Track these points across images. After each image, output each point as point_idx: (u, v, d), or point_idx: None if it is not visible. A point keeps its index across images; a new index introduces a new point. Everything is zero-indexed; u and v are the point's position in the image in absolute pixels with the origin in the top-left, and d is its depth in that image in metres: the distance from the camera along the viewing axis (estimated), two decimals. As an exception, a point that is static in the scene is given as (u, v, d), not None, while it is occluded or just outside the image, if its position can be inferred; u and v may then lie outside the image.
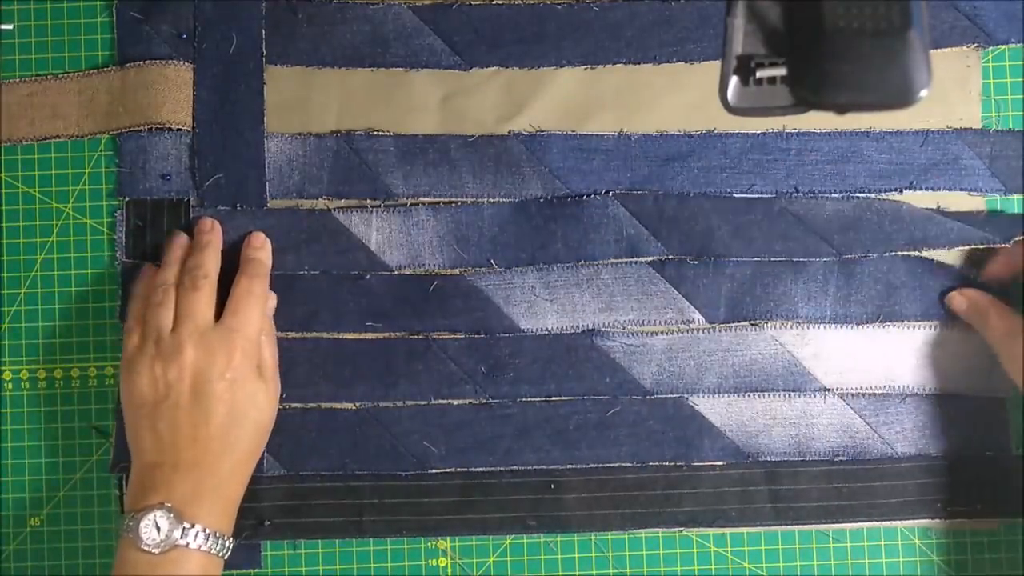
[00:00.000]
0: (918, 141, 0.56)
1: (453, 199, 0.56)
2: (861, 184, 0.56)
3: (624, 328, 0.56)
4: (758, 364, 0.56)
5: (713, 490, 0.55)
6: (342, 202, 0.56)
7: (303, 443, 0.55)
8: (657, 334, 0.56)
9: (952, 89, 0.56)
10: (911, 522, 0.55)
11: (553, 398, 0.56)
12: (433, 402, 0.55)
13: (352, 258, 0.56)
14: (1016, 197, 0.56)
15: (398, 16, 0.56)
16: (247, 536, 0.55)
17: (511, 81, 0.56)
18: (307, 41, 0.56)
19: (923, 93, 0.38)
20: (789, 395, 0.56)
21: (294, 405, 0.55)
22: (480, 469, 0.55)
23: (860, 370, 0.56)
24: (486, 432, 0.55)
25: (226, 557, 0.49)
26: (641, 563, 0.56)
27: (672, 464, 0.55)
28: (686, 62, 0.56)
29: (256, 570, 0.55)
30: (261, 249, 0.55)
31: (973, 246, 0.55)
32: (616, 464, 0.55)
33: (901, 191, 0.56)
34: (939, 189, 0.56)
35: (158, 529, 0.47)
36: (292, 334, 0.55)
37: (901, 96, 0.38)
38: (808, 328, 0.56)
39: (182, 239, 0.55)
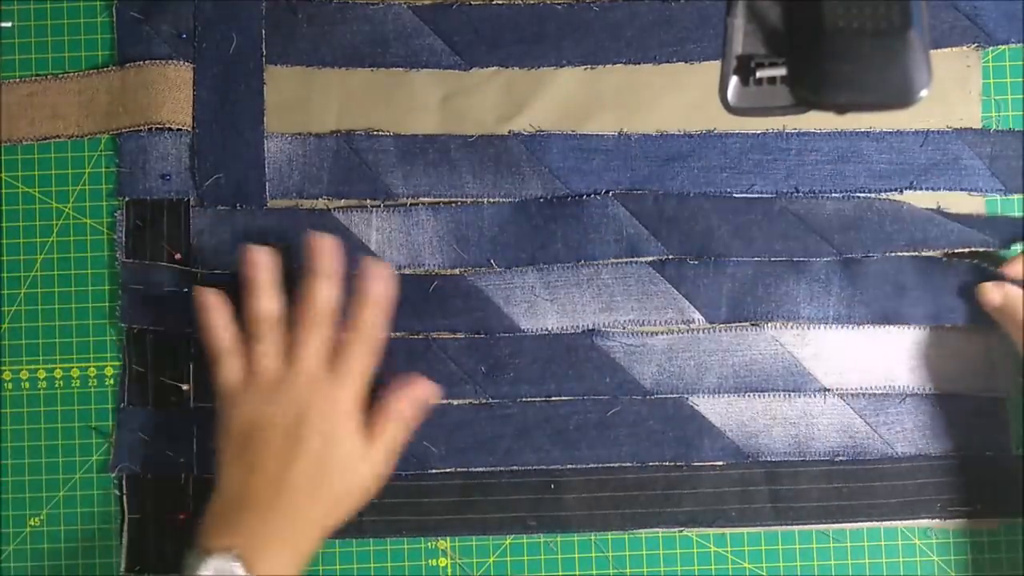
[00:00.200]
0: (918, 141, 0.56)
1: (453, 199, 0.56)
2: (861, 184, 0.56)
3: (624, 328, 0.56)
4: (758, 364, 0.55)
5: (713, 490, 0.55)
6: (342, 202, 0.56)
7: (303, 443, 0.55)
8: (657, 334, 0.56)
9: (952, 89, 0.56)
10: (911, 522, 0.55)
11: (553, 398, 0.56)
12: (432, 402, 0.55)
13: (352, 258, 0.56)
14: (1016, 197, 0.56)
15: (398, 16, 0.56)
16: (247, 536, 0.55)
17: (511, 81, 0.56)
18: (307, 41, 0.56)
19: (923, 93, 0.38)
20: (789, 395, 0.56)
21: (294, 405, 0.55)
22: (480, 469, 0.55)
23: (860, 370, 0.56)
24: (486, 432, 0.55)
25: None
26: (641, 563, 0.56)
27: (672, 464, 0.55)
28: (686, 62, 0.56)
29: (256, 570, 0.55)
30: (375, 280, 0.51)
31: (972, 248, 0.55)
32: (616, 464, 0.55)
33: (901, 191, 0.56)
34: (939, 189, 0.56)
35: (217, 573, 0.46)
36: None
37: (901, 96, 0.38)
38: (808, 328, 0.56)
39: (261, 259, 0.51)
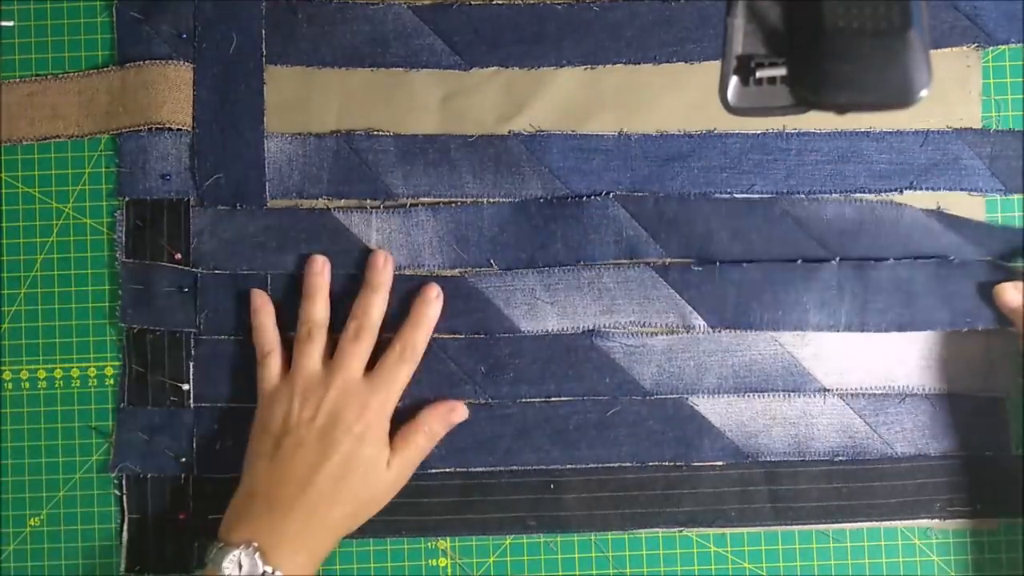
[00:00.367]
0: (918, 141, 0.56)
1: (453, 199, 0.56)
2: (861, 184, 0.56)
3: (625, 330, 0.56)
4: (758, 364, 0.55)
5: (713, 490, 0.55)
6: (342, 202, 0.56)
7: (303, 443, 0.55)
8: (657, 335, 0.56)
9: (952, 89, 0.56)
10: (911, 522, 0.55)
11: (553, 398, 0.55)
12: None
13: (352, 258, 0.56)
14: (1016, 197, 0.56)
15: (398, 16, 0.56)
16: (247, 536, 0.55)
17: (511, 81, 0.56)
18: (307, 41, 0.56)
19: (923, 93, 0.38)
20: (789, 395, 0.56)
21: (294, 405, 0.55)
22: (480, 469, 0.55)
23: (860, 370, 0.56)
24: (486, 432, 0.55)
25: None
26: (641, 563, 0.56)
27: (672, 464, 0.55)
28: (686, 62, 0.56)
29: (256, 570, 0.55)
30: (431, 306, 0.54)
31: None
32: (616, 464, 0.55)
33: (901, 191, 0.56)
34: (939, 189, 0.56)
35: (240, 567, 0.47)
36: (292, 334, 0.55)
37: (901, 96, 0.38)
38: (808, 329, 0.56)
39: (323, 268, 0.54)
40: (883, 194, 0.56)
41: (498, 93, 0.56)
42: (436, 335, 0.55)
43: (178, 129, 0.56)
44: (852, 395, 0.56)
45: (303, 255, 0.55)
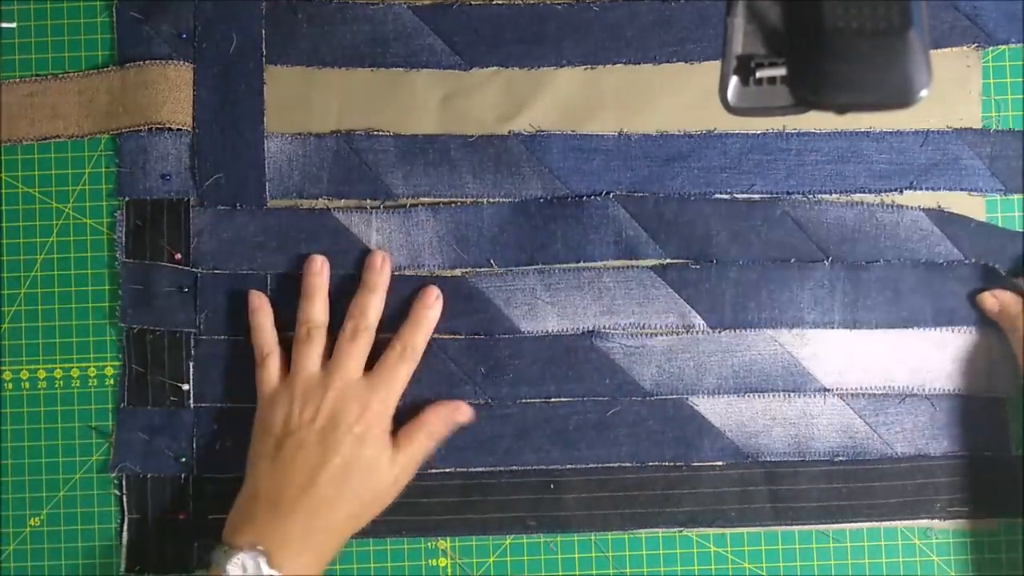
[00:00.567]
0: (918, 141, 0.56)
1: (453, 199, 0.56)
2: (861, 184, 0.56)
3: (625, 331, 0.56)
4: (757, 365, 0.55)
5: (713, 490, 0.55)
6: (342, 202, 0.56)
7: (303, 443, 0.55)
8: (657, 335, 0.56)
9: (952, 89, 0.56)
10: (911, 522, 0.55)
11: (553, 399, 0.55)
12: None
13: (352, 258, 0.56)
14: (1016, 197, 0.56)
15: (398, 16, 0.56)
16: (247, 536, 0.55)
17: (511, 81, 0.56)
18: (307, 41, 0.56)
19: (923, 93, 0.38)
20: (789, 395, 0.56)
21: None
22: (480, 469, 0.55)
23: (860, 370, 0.56)
24: (486, 432, 0.55)
25: None
26: (641, 563, 0.56)
27: (672, 464, 0.55)
28: (686, 62, 0.56)
29: (256, 570, 0.55)
30: (432, 308, 0.54)
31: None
32: (616, 464, 0.55)
33: (901, 191, 0.56)
34: (939, 189, 0.56)
35: (244, 570, 0.47)
36: (292, 334, 0.55)
37: (901, 96, 0.38)
38: (807, 329, 0.56)
39: (322, 268, 0.54)
40: (883, 194, 0.56)
41: (498, 93, 0.56)
42: (436, 335, 0.55)
43: (178, 129, 0.56)
44: (852, 395, 0.56)
45: (303, 255, 0.55)
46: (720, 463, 0.56)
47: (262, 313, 0.54)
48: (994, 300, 0.55)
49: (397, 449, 0.52)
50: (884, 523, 0.55)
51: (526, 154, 0.56)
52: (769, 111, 0.41)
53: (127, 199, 0.56)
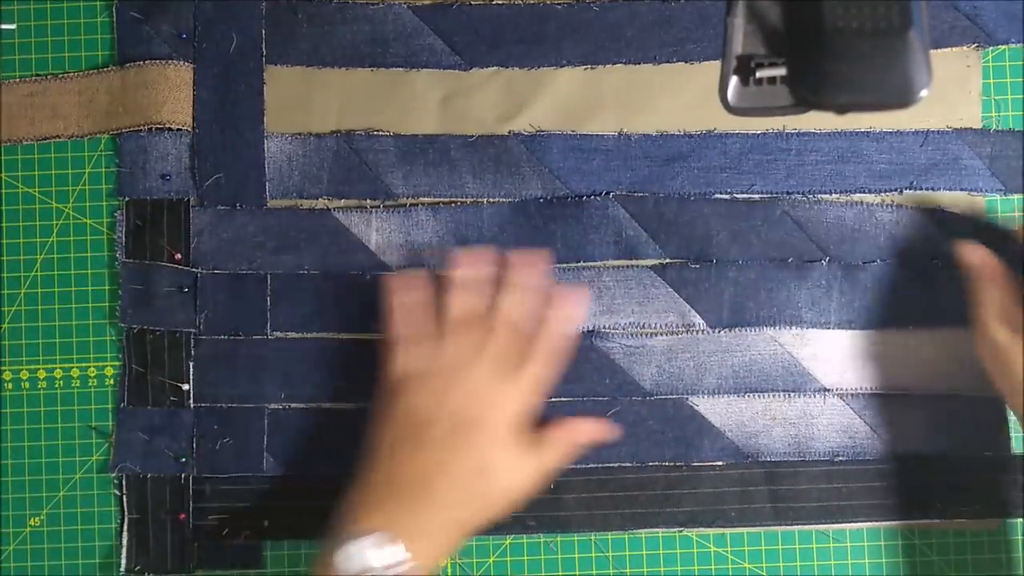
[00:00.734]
0: (918, 141, 0.56)
1: (453, 199, 0.56)
2: (861, 184, 0.56)
3: (624, 331, 0.56)
4: (757, 365, 0.56)
5: (713, 490, 0.55)
6: (342, 202, 0.56)
7: (303, 443, 0.55)
8: (657, 335, 0.56)
9: (952, 89, 0.56)
10: (912, 522, 0.55)
11: (553, 399, 0.55)
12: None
13: (352, 258, 0.56)
14: (1016, 197, 0.56)
15: (398, 16, 0.56)
16: (247, 536, 0.55)
17: (511, 81, 0.56)
18: (307, 41, 0.56)
19: (923, 93, 0.38)
20: (789, 395, 0.56)
21: (294, 405, 0.55)
22: (480, 469, 0.55)
23: (860, 370, 0.56)
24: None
25: None
26: (641, 563, 0.56)
27: (672, 464, 0.55)
28: (686, 62, 0.56)
29: (256, 570, 0.55)
30: (579, 310, 0.54)
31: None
32: (616, 464, 0.55)
33: (901, 191, 0.56)
34: (939, 189, 0.56)
35: (371, 554, 0.45)
36: (292, 334, 0.55)
37: (901, 96, 0.38)
38: (807, 328, 0.56)
39: (482, 258, 0.53)
40: (883, 194, 0.56)
41: (498, 93, 0.56)
42: (436, 335, 0.55)
43: (178, 129, 0.56)
44: (852, 395, 0.56)
45: (303, 255, 0.55)
46: (720, 463, 0.56)
47: (406, 295, 0.52)
48: (970, 255, 0.53)
49: (532, 455, 0.51)
50: (884, 523, 0.55)
51: (526, 154, 0.56)
52: (769, 111, 0.41)
53: (127, 199, 0.56)
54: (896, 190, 0.56)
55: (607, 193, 0.56)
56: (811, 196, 0.56)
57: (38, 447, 0.56)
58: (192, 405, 0.55)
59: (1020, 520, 0.56)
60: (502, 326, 0.51)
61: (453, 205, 0.56)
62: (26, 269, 0.56)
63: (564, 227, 0.56)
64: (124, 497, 0.55)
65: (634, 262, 0.56)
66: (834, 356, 0.56)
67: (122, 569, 0.55)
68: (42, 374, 0.56)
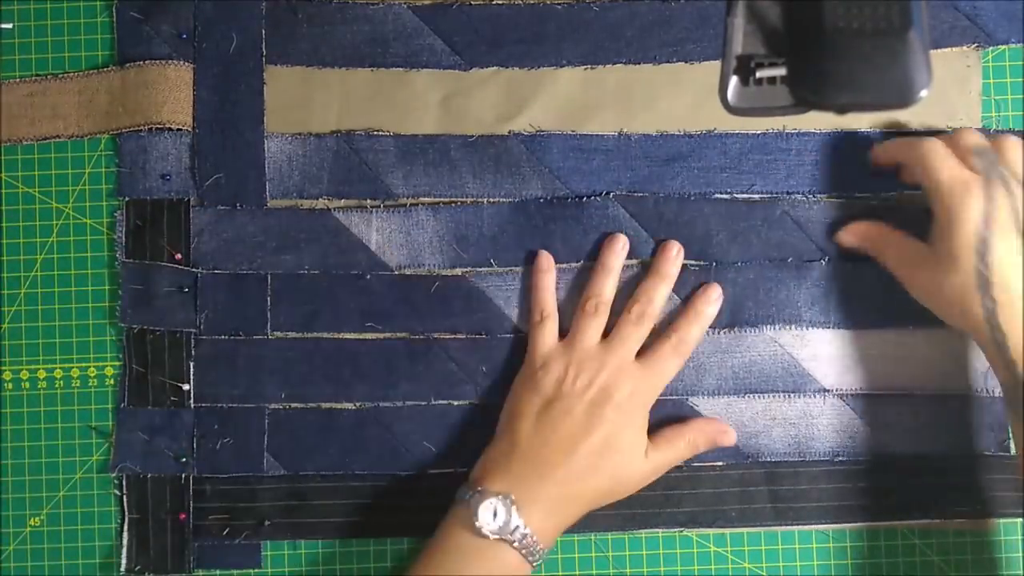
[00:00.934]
0: (918, 141, 0.56)
1: (453, 199, 0.56)
2: (861, 184, 0.56)
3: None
4: (757, 365, 0.56)
5: (713, 490, 0.55)
6: (342, 202, 0.56)
7: (303, 443, 0.55)
8: (657, 334, 0.56)
9: (952, 89, 0.56)
10: (912, 522, 0.55)
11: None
12: (433, 402, 0.55)
13: (352, 258, 0.56)
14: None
15: (398, 16, 0.56)
16: (247, 536, 0.55)
17: (511, 81, 0.56)
18: (307, 41, 0.56)
19: (923, 93, 0.38)
20: (789, 396, 0.56)
21: (294, 405, 0.55)
22: (480, 469, 0.55)
23: (860, 370, 0.56)
24: (487, 432, 0.55)
25: (535, 566, 0.50)
26: (641, 563, 0.56)
27: (672, 464, 0.56)
28: (686, 62, 0.56)
29: (256, 570, 0.55)
30: (712, 305, 0.54)
31: None
32: (616, 464, 0.55)
33: (901, 191, 0.56)
34: (939, 189, 0.56)
35: (495, 515, 0.48)
36: (292, 334, 0.55)
37: (901, 96, 0.38)
38: (807, 329, 0.56)
39: (624, 249, 0.55)
40: (883, 194, 0.56)
41: (498, 93, 0.56)
42: (436, 334, 0.55)
43: (178, 129, 0.56)
44: (852, 395, 0.56)
45: (303, 255, 0.55)
46: (720, 463, 0.56)
47: (549, 276, 0.54)
48: (849, 235, 0.54)
49: (655, 445, 0.52)
50: (884, 523, 0.55)
51: (526, 154, 0.56)
52: (769, 111, 0.41)
53: (127, 199, 0.56)
54: (896, 190, 0.56)
55: (607, 193, 0.56)
56: (811, 196, 0.56)
57: (38, 447, 0.56)
58: (192, 405, 0.55)
59: (1019, 520, 0.56)
60: (642, 317, 0.53)
61: (453, 205, 0.56)
62: (26, 269, 0.56)
63: (564, 227, 0.56)
64: (124, 497, 0.55)
65: (634, 262, 0.56)
66: (834, 356, 0.56)
67: (122, 569, 0.55)
68: (42, 374, 0.56)
